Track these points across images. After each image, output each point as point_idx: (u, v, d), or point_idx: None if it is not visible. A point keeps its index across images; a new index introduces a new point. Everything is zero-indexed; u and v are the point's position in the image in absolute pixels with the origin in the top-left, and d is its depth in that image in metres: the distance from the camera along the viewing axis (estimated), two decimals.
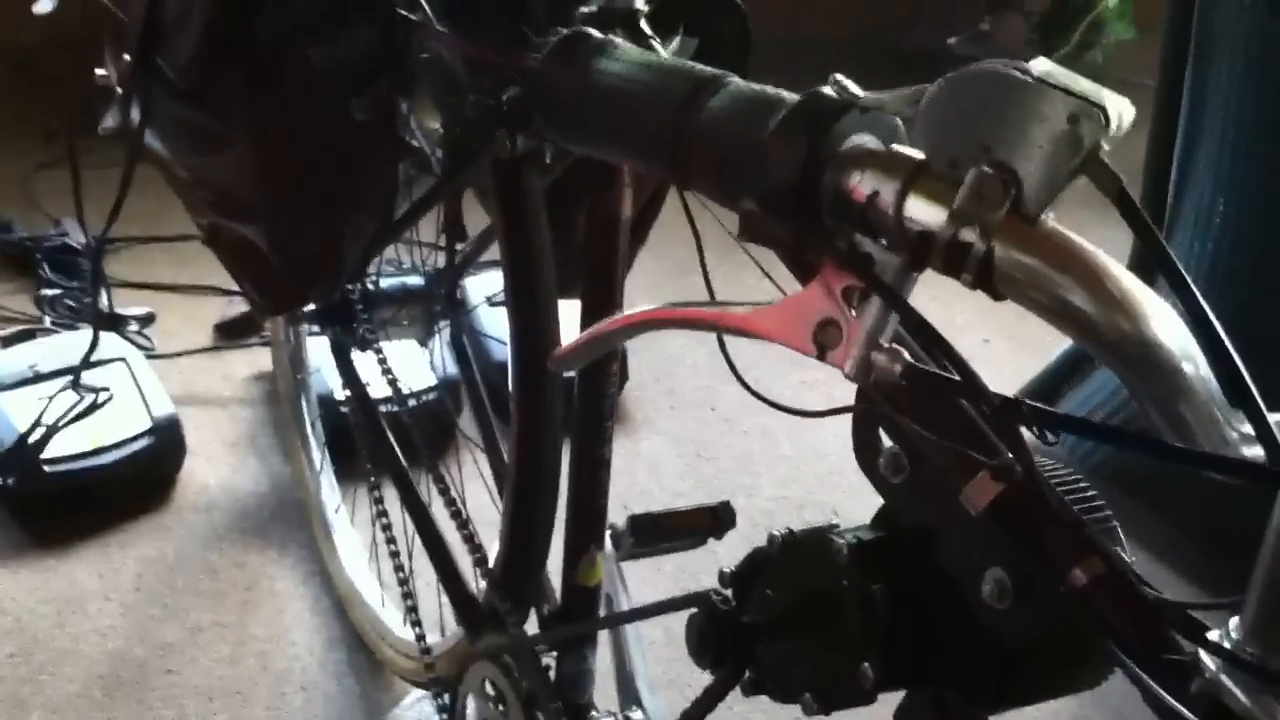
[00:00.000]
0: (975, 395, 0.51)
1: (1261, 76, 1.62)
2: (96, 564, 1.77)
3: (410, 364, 1.81)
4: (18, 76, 2.93)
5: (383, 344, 1.40)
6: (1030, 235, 0.48)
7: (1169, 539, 1.70)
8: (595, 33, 0.71)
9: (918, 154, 0.53)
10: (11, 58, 2.91)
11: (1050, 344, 2.04)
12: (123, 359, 1.99)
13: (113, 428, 1.87)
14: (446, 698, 1.30)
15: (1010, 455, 0.56)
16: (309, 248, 1.02)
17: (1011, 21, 3.15)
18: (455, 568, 1.25)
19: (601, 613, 1.10)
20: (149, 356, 2.13)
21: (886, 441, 0.64)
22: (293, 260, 1.01)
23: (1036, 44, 3.15)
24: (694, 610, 0.75)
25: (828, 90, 0.56)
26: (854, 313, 0.55)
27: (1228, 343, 0.46)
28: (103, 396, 1.88)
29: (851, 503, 1.94)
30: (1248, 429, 0.47)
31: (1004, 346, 2.34)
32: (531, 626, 1.15)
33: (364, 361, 1.40)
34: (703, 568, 1.77)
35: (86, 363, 1.84)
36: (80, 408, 1.86)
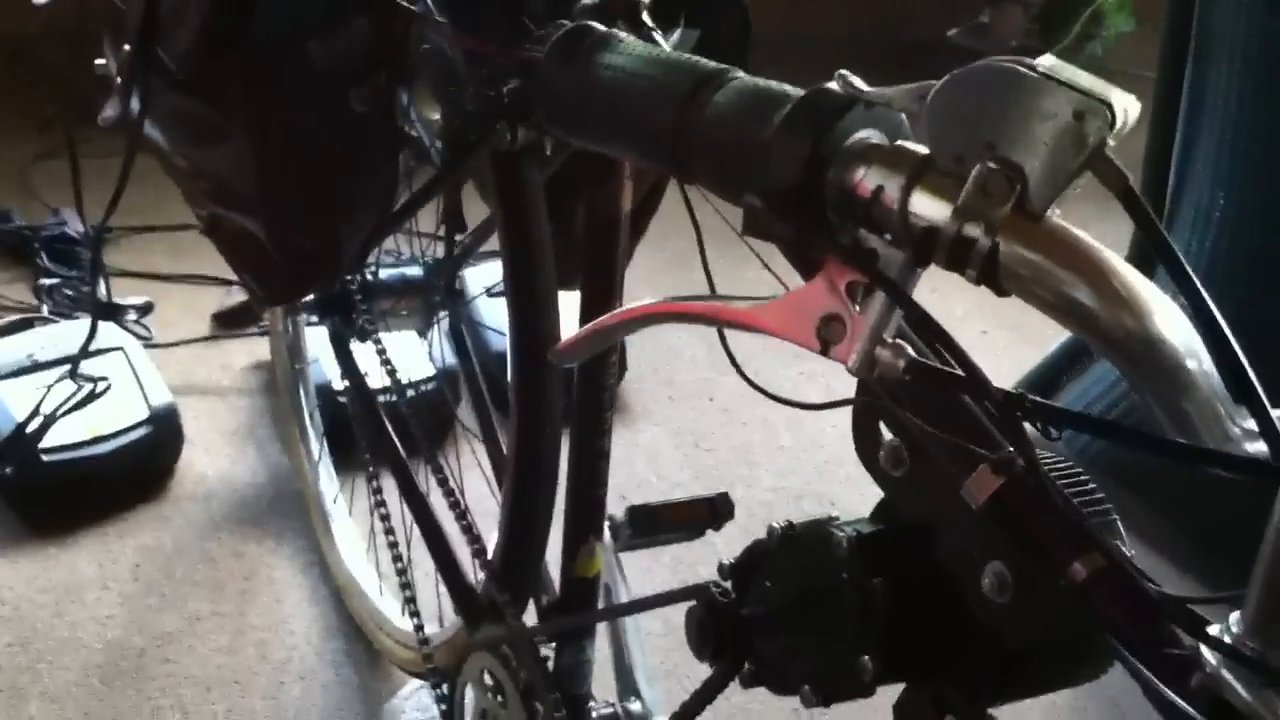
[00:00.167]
0: (979, 391, 0.51)
1: (1260, 74, 1.62)
2: (95, 553, 1.77)
3: (409, 354, 1.81)
4: (15, 66, 2.92)
5: (381, 334, 1.40)
6: (1035, 231, 0.48)
7: (1166, 531, 1.71)
8: (598, 26, 0.71)
9: (922, 150, 0.53)
10: (9, 47, 2.90)
11: (1049, 335, 2.05)
12: (121, 348, 1.99)
13: (111, 417, 1.86)
14: (444, 688, 1.30)
15: (1011, 450, 0.56)
16: (309, 240, 1.02)
17: (1011, 13, 3.14)
18: (454, 558, 1.25)
19: (600, 604, 1.10)
20: (147, 346, 2.13)
21: (887, 435, 0.64)
22: (292, 252, 1.01)
23: (1036, 35, 3.14)
24: (693, 603, 0.75)
25: (832, 86, 0.56)
26: (857, 308, 0.55)
27: (1231, 338, 0.46)
28: (101, 386, 1.88)
29: (849, 493, 1.94)
30: (1251, 425, 0.47)
31: (1003, 337, 2.34)
32: (529, 617, 1.15)
33: (363, 352, 1.40)
34: (700, 558, 1.77)
35: (85, 352, 1.84)
36: (78, 397, 1.86)
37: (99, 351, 1.91)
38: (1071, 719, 1.58)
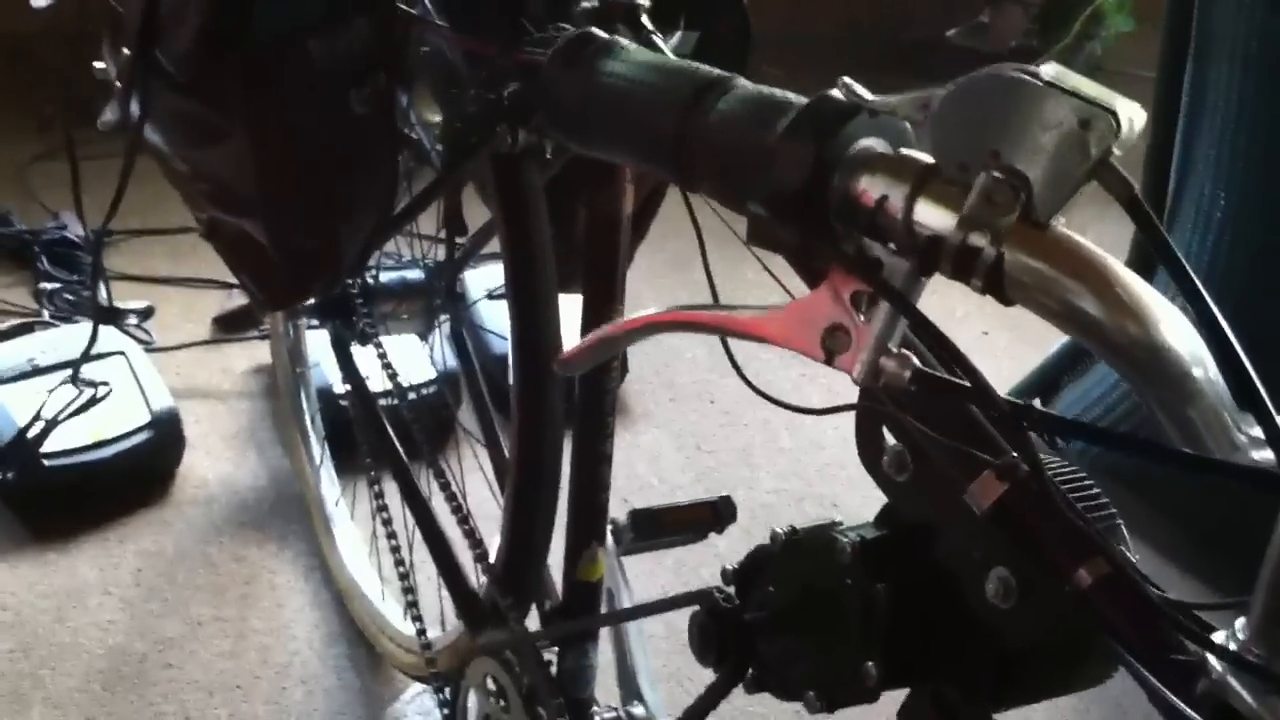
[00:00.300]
0: (986, 401, 0.50)
1: (1261, 73, 1.61)
2: (96, 558, 1.77)
3: (410, 358, 1.81)
4: (14, 66, 2.92)
5: (382, 338, 1.40)
6: (1040, 240, 0.48)
7: (1167, 532, 1.70)
8: (601, 33, 0.71)
9: (926, 158, 0.53)
10: (8, 47, 2.90)
11: (1049, 337, 2.04)
12: (122, 352, 1.98)
13: (112, 422, 1.86)
14: (447, 692, 1.30)
15: (1015, 455, 0.56)
16: (309, 243, 1.01)
17: (1010, 13, 3.14)
18: (456, 562, 1.25)
19: (603, 608, 1.10)
20: (148, 350, 2.13)
21: (890, 439, 0.64)
22: (293, 255, 1.01)
23: (1035, 35, 3.14)
24: (696, 608, 0.74)
25: (836, 93, 0.56)
26: (862, 317, 0.54)
27: (1237, 345, 0.46)
28: (102, 390, 1.88)
29: (850, 495, 1.94)
30: (1257, 432, 0.47)
31: (1003, 339, 2.34)
32: (531, 621, 1.15)
33: (364, 355, 1.40)
34: (702, 560, 1.77)
35: (85, 357, 1.84)
36: (79, 402, 1.85)
37: (100, 356, 1.91)
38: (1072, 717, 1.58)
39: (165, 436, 1.91)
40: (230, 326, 2.30)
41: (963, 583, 0.60)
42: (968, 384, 0.51)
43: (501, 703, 1.09)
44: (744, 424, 2.13)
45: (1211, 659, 0.48)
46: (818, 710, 0.68)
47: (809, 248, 0.55)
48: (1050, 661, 0.61)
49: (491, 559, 1.16)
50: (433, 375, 1.88)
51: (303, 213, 1.00)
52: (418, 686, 1.55)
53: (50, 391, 1.85)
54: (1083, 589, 0.53)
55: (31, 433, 1.80)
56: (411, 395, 1.47)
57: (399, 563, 1.37)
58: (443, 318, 1.49)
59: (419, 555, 1.35)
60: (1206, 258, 1.70)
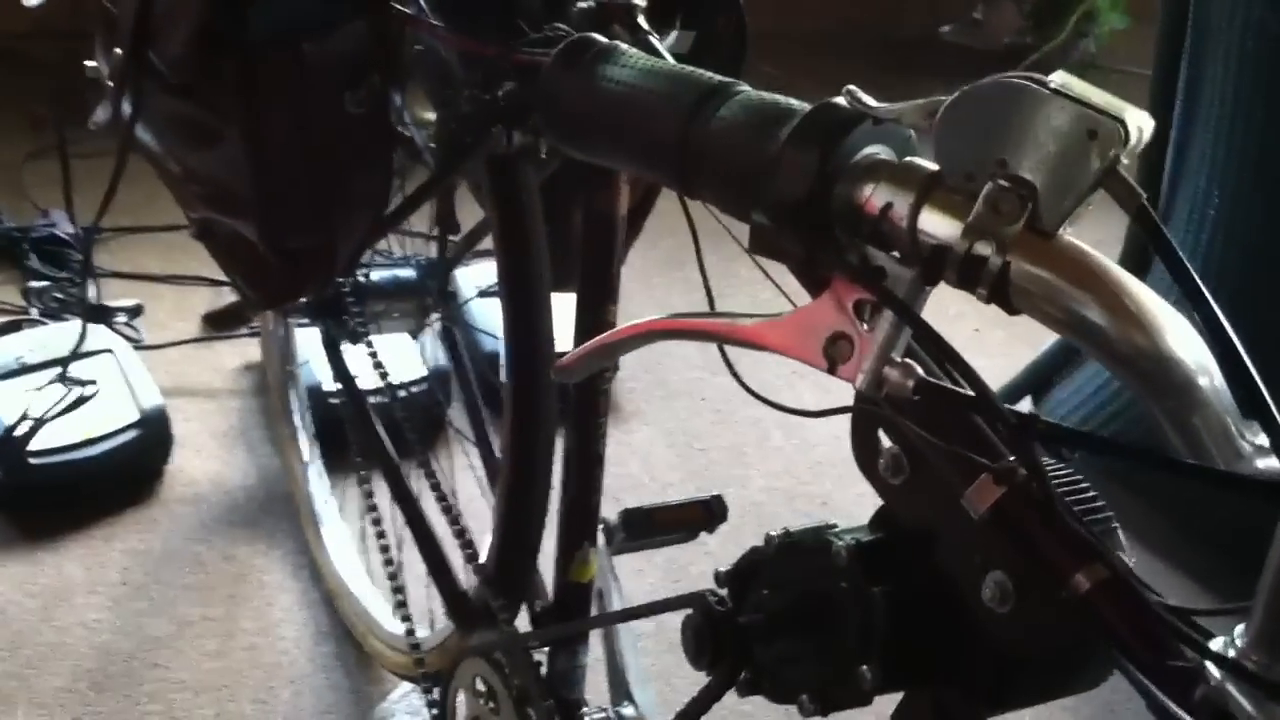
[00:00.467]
0: (990, 412, 0.50)
1: (1256, 70, 1.61)
2: (83, 557, 1.76)
3: (401, 356, 1.80)
4: (6, 65, 2.91)
5: (373, 336, 1.40)
6: (1047, 250, 0.48)
7: (1162, 533, 1.70)
8: (601, 38, 0.70)
9: (931, 166, 0.52)
10: None
11: (1041, 334, 2.04)
12: (110, 350, 1.98)
13: (100, 420, 1.86)
14: (436, 692, 1.30)
15: (1013, 459, 0.56)
16: (303, 243, 1.01)
17: (1004, 10, 3.14)
18: (446, 562, 1.24)
19: (594, 608, 1.10)
20: (137, 348, 2.12)
21: (886, 442, 0.64)
22: (286, 255, 1.01)
23: (1029, 32, 3.15)
24: (690, 610, 0.74)
25: (840, 101, 0.55)
26: (865, 326, 0.54)
27: (1244, 354, 0.45)
28: (90, 389, 1.87)
29: (842, 494, 1.94)
30: (1262, 440, 0.46)
31: (995, 336, 2.34)
32: (521, 621, 1.14)
33: (355, 354, 1.40)
34: (692, 559, 1.77)
35: (75, 355, 1.83)
36: (68, 400, 1.84)
37: (88, 354, 1.90)
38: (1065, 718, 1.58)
39: (154, 435, 1.90)
40: (220, 324, 2.29)
41: (959, 586, 0.60)
42: (973, 394, 0.50)
43: (491, 704, 1.08)
44: (735, 422, 2.13)
45: (1210, 666, 0.48)
46: (812, 714, 0.67)
47: (812, 256, 0.54)
48: (1046, 665, 0.61)
49: (482, 559, 1.15)
50: (423, 374, 1.88)
51: (296, 213, 1.00)
52: (406, 686, 1.54)
53: (39, 389, 1.85)
54: (1080, 594, 0.52)
55: (19, 431, 1.79)
56: (402, 394, 1.48)
57: (388, 562, 1.37)
58: (434, 316, 1.48)
59: (407, 554, 1.35)
60: (1200, 255, 1.70)
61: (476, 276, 2.03)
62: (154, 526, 1.83)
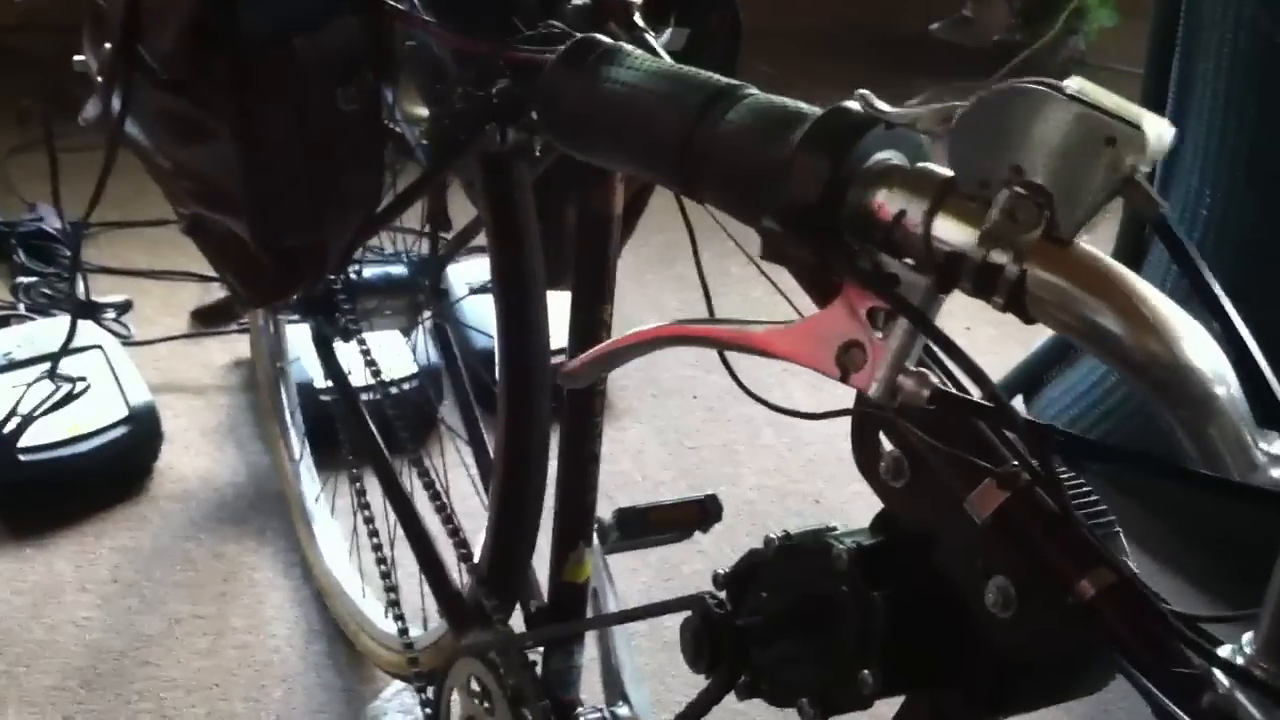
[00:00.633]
0: (1008, 421, 0.50)
1: (1248, 68, 1.61)
2: (73, 554, 1.75)
3: (392, 353, 1.80)
4: None
5: (365, 334, 1.39)
6: (1064, 258, 0.47)
7: (1158, 537, 1.70)
8: (605, 39, 0.69)
9: (946, 172, 0.52)
10: None
11: (1032, 332, 2.04)
12: (99, 346, 1.97)
13: (89, 416, 1.84)
14: (429, 691, 1.29)
15: (1016, 464, 0.56)
16: (295, 241, 1.00)
17: (994, 7, 3.14)
18: (439, 562, 1.24)
19: (588, 607, 1.09)
20: (125, 344, 2.11)
21: (887, 445, 0.63)
22: (278, 253, 1.00)
23: (1019, 29, 3.15)
24: (688, 613, 0.74)
25: (852, 105, 0.55)
26: (879, 334, 0.54)
27: (1264, 364, 0.45)
28: (80, 386, 1.86)
29: (835, 492, 1.93)
30: (1277, 449, 0.46)
31: (986, 334, 2.33)
32: (516, 620, 1.14)
33: (346, 350, 1.39)
34: (685, 558, 1.76)
35: (65, 351, 1.82)
36: (57, 397, 1.83)
37: (77, 350, 1.89)
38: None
39: (143, 431, 1.89)
40: (208, 320, 2.28)
41: (961, 591, 0.59)
42: (988, 403, 0.50)
43: (486, 704, 1.08)
44: (727, 420, 2.12)
45: (1217, 673, 0.48)
46: (812, 718, 0.67)
47: (824, 263, 0.53)
48: (1049, 669, 0.60)
49: (475, 558, 1.15)
50: (414, 371, 1.87)
51: (288, 211, 0.99)
52: (398, 684, 1.53)
53: (29, 386, 1.83)
54: (1086, 599, 0.52)
55: (8, 428, 1.78)
56: (393, 391, 1.47)
57: (380, 560, 1.36)
58: (426, 314, 1.47)
59: (399, 552, 1.34)
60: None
61: (467, 273, 2.03)
62: (144, 524, 1.82)
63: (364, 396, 1.38)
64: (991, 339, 2.29)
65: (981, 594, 0.58)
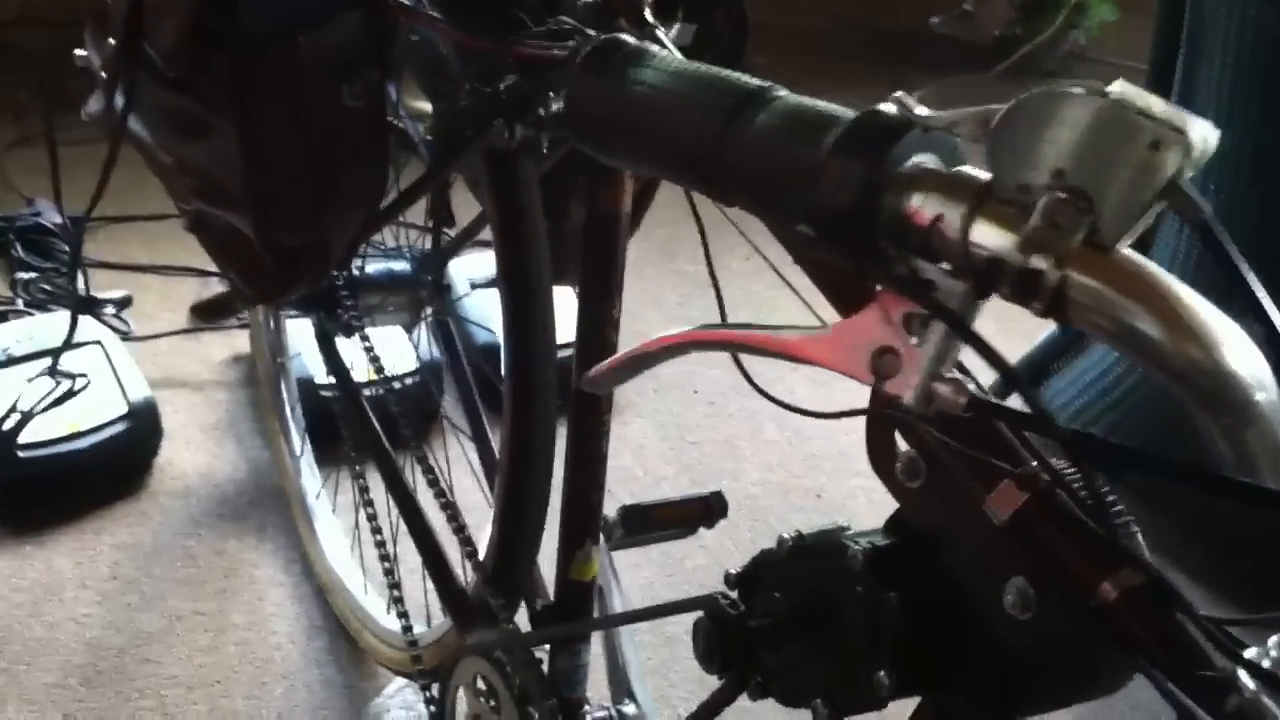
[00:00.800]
0: (1046, 429, 0.49)
1: (1252, 66, 1.61)
2: (72, 551, 1.75)
3: (394, 348, 1.79)
4: None
5: (367, 329, 1.38)
6: (1106, 264, 0.46)
7: (1167, 539, 1.69)
8: (630, 40, 0.68)
9: (983, 176, 0.51)
10: None
11: (1033, 328, 2.04)
12: (98, 342, 1.96)
13: (89, 412, 1.84)
14: (434, 688, 1.29)
15: (1035, 464, 0.55)
16: (298, 238, 0.99)
17: (994, 2, 3.13)
18: (443, 559, 1.23)
19: (594, 604, 1.09)
20: (125, 339, 2.10)
21: (903, 445, 0.63)
22: (281, 251, 0.99)
23: (1019, 24, 3.14)
24: (700, 613, 0.73)
25: (887, 107, 0.54)
26: (914, 340, 0.53)
27: None
28: (80, 383, 1.85)
29: (836, 487, 1.93)
30: None
31: (986, 329, 2.33)
32: (520, 618, 1.13)
33: (348, 346, 1.38)
34: (687, 553, 1.76)
35: (66, 346, 1.81)
36: (57, 393, 1.83)
37: (76, 345, 1.88)
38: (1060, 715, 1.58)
39: (143, 427, 1.88)
40: (208, 315, 2.27)
41: (978, 592, 0.59)
42: (1027, 411, 0.49)
43: (492, 702, 1.07)
44: (729, 415, 2.12)
45: (1243, 675, 0.47)
46: (825, 718, 0.66)
47: (860, 269, 0.53)
48: (1065, 671, 0.60)
49: (480, 555, 1.14)
50: (415, 366, 1.87)
51: (292, 208, 0.98)
52: (400, 681, 1.53)
53: (29, 382, 1.83)
54: (1108, 602, 0.52)
55: (7, 425, 1.78)
56: (395, 386, 1.46)
57: (384, 558, 1.36)
58: (428, 310, 1.47)
59: (401, 547, 1.34)
60: (1195, 254, 1.70)
61: (467, 268, 2.02)
62: (144, 520, 1.82)
63: (365, 392, 1.37)
64: (992, 334, 2.29)
65: (999, 596, 0.57)
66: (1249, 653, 0.47)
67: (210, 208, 1.03)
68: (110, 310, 2.20)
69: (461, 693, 1.13)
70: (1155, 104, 0.46)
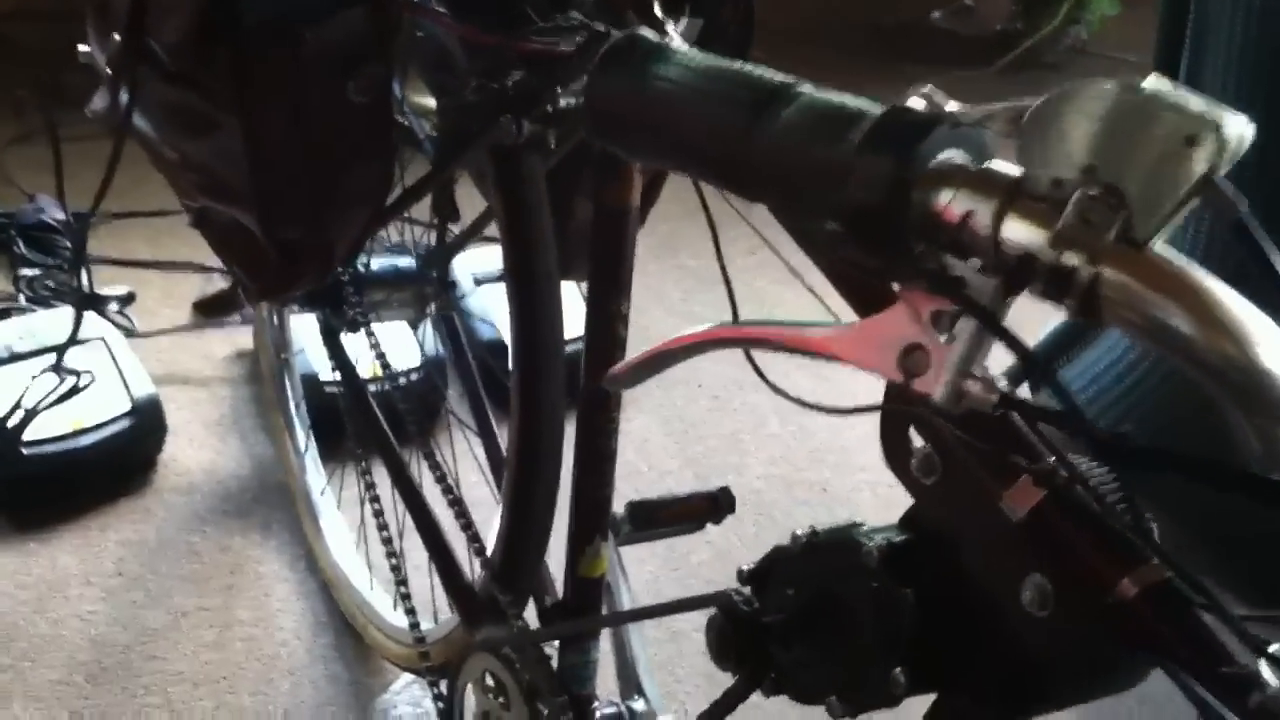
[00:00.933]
0: (1080, 428, 0.49)
1: (1257, 63, 1.60)
2: (77, 548, 1.74)
3: (397, 342, 1.79)
4: None
5: (372, 324, 1.38)
6: (1139, 261, 0.46)
7: (1173, 538, 1.69)
8: (650, 36, 0.67)
9: (1014, 172, 0.51)
10: None
11: (1036, 322, 2.03)
12: (102, 339, 1.96)
13: (92, 409, 1.84)
14: (442, 684, 1.29)
15: (1053, 460, 0.55)
16: (303, 234, 0.99)
17: None
18: (451, 555, 1.23)
19: (603, 600, 1.09)
20: (127, 336, 2.09)
21: (918, 441, 0.63)
22: (286, 247, 0.99)
23: (1020, 18, 3.13)
24: (714, 610, 0.73)
25: (916, 103, 0.53)
26: (942, 338, 0.52)
27: None
28: (84, 379, 1.85)
29: (840, 481, 1.93)
30: None
31: None
32: (529, 613, 1.13)
33: (353, 342, 1.38)
34: (693, 547, 1.76)
35: (71, 342, 1.81)
36: (60, 390, 1.82)
37: (79, 342, 1.88)
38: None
39: (147, 424, 1.88)
40: (210, 311, 2.27)
41: (995, 589, 0.59)
42: (1060, 409, 0.49)
43: (501, 699, 1.07)
44: (733, 409, 2.12)
45: (1267, 672, 0.47)
46: (841, 715, 0.66)
47: (889, 266, 0.52)
48: (1082, 667, 0.60)
49: (487, 551, 1.14)
50: (419, 362, 1.86)
51: (296, 204, 0.98)
52: (407, 677, 1.53)
53: (33, 379, 1.82)
54: (1127, 598, 0.51)
55: (11, 422, 1.77)
56: (400, 382, 1.46)
57: (390, 554, 1.35)
58: (433, 307, 1.46)
59: (407, 543, 1.33)
60: (1201, 249, 1.69)
61: (471, 263, 2.02)
62: (148, 517, 1.81)
63: (370, 388, 1.37)
64: None
65: (1017, 592, 0.57)
66: (1273, 648, 0.47)
67: (215, 204, 1.03)
68: (113, 307, 2.19)
69: (470, 689, 1.13)
70: (1189, 99, 0.46)
